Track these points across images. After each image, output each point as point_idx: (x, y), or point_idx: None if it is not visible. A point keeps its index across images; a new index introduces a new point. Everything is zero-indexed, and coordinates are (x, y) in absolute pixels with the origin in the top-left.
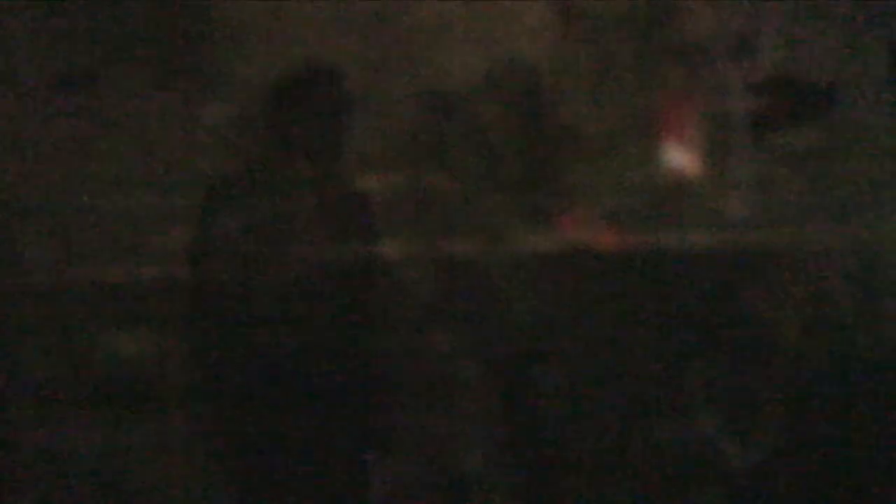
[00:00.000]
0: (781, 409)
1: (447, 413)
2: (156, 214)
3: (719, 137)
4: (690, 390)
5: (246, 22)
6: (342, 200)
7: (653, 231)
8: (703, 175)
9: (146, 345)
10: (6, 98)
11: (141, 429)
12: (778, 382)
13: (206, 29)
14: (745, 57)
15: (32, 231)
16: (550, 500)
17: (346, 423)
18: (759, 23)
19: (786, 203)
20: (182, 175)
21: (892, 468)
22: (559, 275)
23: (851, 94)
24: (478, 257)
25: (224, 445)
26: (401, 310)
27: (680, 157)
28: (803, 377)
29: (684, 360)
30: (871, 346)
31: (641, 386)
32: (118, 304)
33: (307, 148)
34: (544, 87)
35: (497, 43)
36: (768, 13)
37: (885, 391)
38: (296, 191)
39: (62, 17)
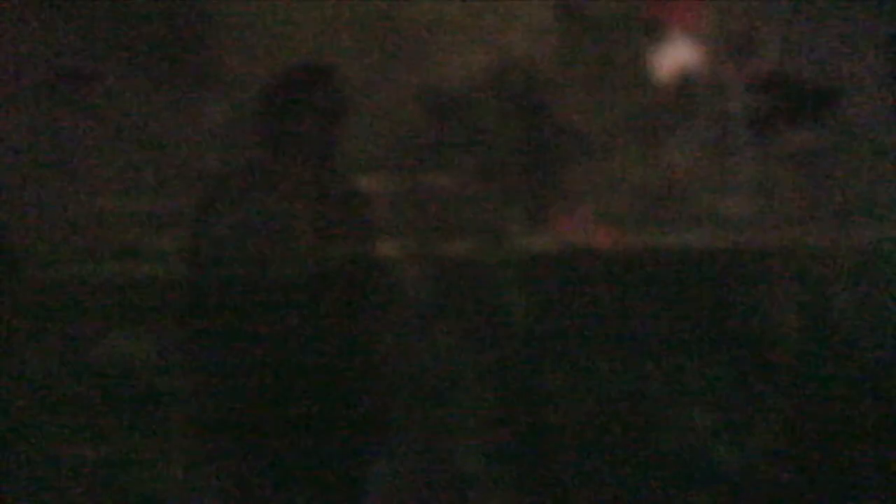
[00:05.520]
0: (780, 408)
1: (447, 412)
2: (156, 214)
3: (719, 137)
4: (689, 389)
5: (246, 22)
6: (340, 200)
7: (653, 231)
8: (702, 174)
9: (146, 345)
10: (6, 98)
11: (141, 429)
12: (777, 382)
13: (206, 29)
14: (745, 57)
15: (32, 231)
16: (550, 500)
17: (345, 422)
18: (759, 23)
19: (786, 203)
20: (182, 175)
21: (891, 468)
22: (559, 275)
23: (851, 94)
24: (478, 257)
25: (223, 444)
26: (400, 310)
27: (681, 50)
28: (802, 376)
29: (683, 359)
30: (870, 346)
31: (640, 385)
32: (118, 304)
33: (304, 148)
34: (544, 86)
35: (497, 43)
36: (768, 13)
37: (885, 391)
38: (293, 191)
39: (62, 16)
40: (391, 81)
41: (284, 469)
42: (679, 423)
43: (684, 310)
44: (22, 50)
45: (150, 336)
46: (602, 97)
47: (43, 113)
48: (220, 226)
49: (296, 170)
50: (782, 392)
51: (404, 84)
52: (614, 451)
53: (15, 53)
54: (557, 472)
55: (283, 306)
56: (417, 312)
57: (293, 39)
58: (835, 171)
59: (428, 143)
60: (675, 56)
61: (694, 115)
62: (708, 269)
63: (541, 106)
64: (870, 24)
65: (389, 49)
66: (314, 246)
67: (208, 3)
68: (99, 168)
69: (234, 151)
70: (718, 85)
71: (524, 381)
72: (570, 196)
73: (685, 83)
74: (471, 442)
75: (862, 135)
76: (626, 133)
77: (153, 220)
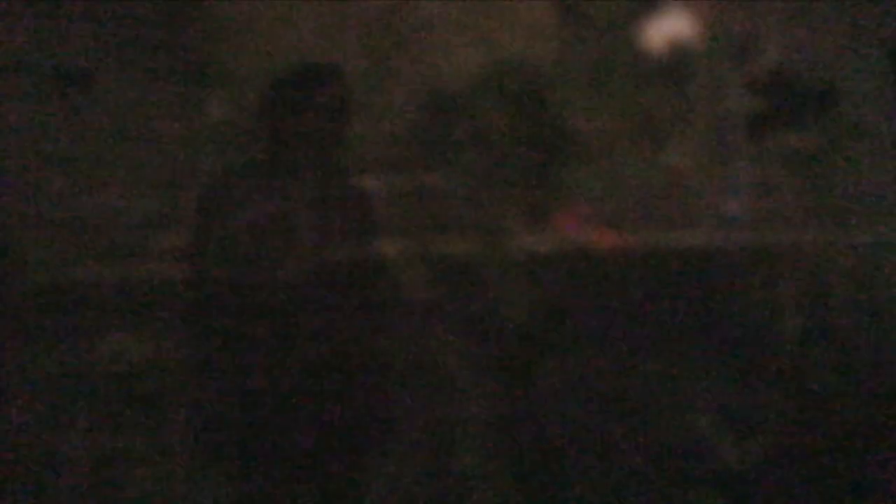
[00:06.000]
0: (780, 408)
1: (446, 412)
2: (156, 214)
3: (719, 137)
4: (689, 390)
5: (246, 22)
6: (342, 200)
7: (653, 231)
8: (702, 174)
9: (146, 345)
10: (6, 97)
11: (141, 429)
12: (777, 382)
13: (206, 29)
14: (745, 57)
15: (32, 231)
16: (550, 500)
17: (346, 423)
18: (759, 23)
19: (786, 203)
20: (182, 175)
21: (891, 468)
22: (559, 275)
23: (851, 94)
24: (477, 257)
25: (223, 445)
26: (400, 310)
27: (678, 20)
28: (802, 377)
29: (683, 358)
30: (870, 346)
31: (641, 385)
32: (118, 304)
33: (306, 147)
34: (544, 87)
35: (497, 43)
36: (768, 13)
37: (884, 391)
38: (295, 190)
39: (62, 16)
40: (391, 81)
41: (285, 468)
42: (679, 423)
43: (684, 309)
44: (22, 50)
45: (150, 336)
46: (602, 97)
47: (43, 113)
48: (221, 225)
49: (298, 169)
50: (782, 392)
51: (404, 84)
52: (614, 451)
53: (15, 53)
54: (557, 471)
55: (284, 306)
56: (417, 312)
57: (293, 39)
58: (835, 171)
59: (428, 143)
60: (671, 27)
61: (691, 104)
62: (708, 269)
63: (541, 106)
64: (870, 24)
65: (389, 49)
66: (316, 245)
67: (208, 2)
68: (98, 167)
69: (235, 151)
70: (718, 85)
71: (524, 381)
72: (570, 196)
73: (679, 53)
74: (471, 442)
75: (862, 135)
76: (626, 133)
77: (153, 220)
